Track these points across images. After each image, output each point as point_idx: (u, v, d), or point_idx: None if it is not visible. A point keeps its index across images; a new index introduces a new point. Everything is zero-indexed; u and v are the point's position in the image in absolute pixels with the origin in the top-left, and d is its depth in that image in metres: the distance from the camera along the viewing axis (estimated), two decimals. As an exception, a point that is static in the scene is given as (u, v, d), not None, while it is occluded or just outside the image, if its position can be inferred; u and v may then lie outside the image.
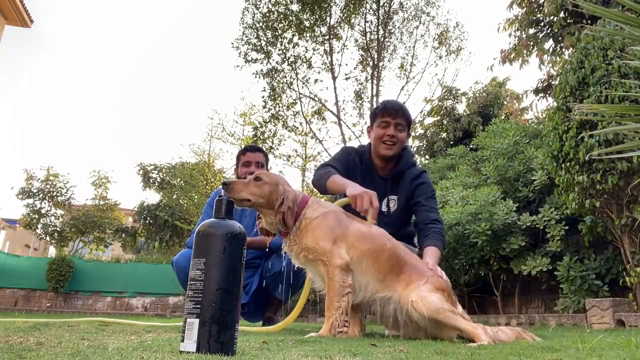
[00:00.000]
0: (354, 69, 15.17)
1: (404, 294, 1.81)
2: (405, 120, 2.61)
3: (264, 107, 15.15)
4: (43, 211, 16.68)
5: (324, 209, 1.93)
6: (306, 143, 16.13)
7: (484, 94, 10.84)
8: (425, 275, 1.86)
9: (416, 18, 14.75)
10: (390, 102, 2.72)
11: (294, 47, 14.84)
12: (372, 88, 14.63)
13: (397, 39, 14.87)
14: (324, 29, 14.76)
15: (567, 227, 4.47)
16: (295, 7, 14.49)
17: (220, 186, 1.92)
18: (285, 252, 1.97)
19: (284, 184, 1.93)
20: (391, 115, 2.58)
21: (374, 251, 1.88)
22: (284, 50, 14.87)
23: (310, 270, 1.96)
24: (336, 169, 2.46)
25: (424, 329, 1.82)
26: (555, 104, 4.02)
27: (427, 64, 14.91)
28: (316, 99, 15.27)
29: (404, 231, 2.56)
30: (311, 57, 15.01)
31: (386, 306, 1.86)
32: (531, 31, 8.86)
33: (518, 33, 9.05)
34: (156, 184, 18.92)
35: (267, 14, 14.60)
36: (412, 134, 13.15)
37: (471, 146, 8.60)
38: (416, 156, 11.38)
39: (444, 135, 11.01)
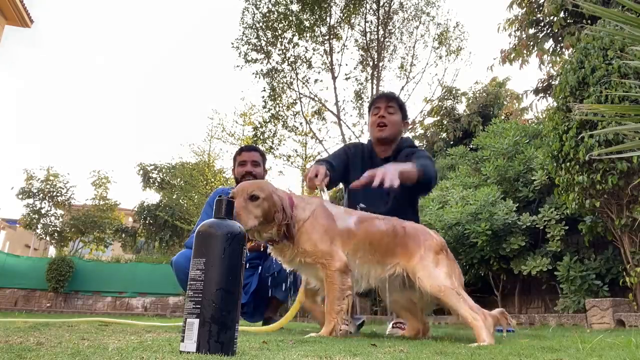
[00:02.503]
0: (354, 69, 15.18)
1: (409, 267, 1.83)
2: (396, 103, 2.71)
3: (264, 107, 15.15)
4: (43, 211, 16.69)
5: (310, 206, 1.88)
6: (306, 143, 16.14)
7: (484, 94, 10.84)
8: (419, 240, 1.87)
9: (416, 18, 14.75)
10: (381, 92, 2.84)
11: (294, 47, 14.84)
12: (372, 88, 14.63)
13: (397, 39, 14.87)
14: (324, 29, 14.75)
15: (567, 227, 4.47)
16: (295, 7, 14.49)
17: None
18: (274, 258, 1.90)
19: (274, 191, 1.80)
20: (382, 100, 2.71)
21: (368, 237, 1.87)
22: (284, 50, 14.87)
23: (304, 273, 1.93)
24: (328, 162, 2.44)
25: (426, 299, 1.88)
26: (555, 104, 4.02)
27: (427, 64, 14.91)
28: (316, 99, 15.28)
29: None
30: (311, 57, 15.02)
31: (393, 281, 1.88)
32: (531, 31, 8.86)
33: (518, 33, 9.06)
34: (156, 184, 18.94)
35: (267, 14, 14.60)
36: (412, 134, 13.15)
37: (471, 146, 8.61)
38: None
39: (444, 135, 11.02)
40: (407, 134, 14.11)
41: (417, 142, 12.18)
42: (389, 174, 1.97)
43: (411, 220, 2.36)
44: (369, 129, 2.76)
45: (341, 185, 2.94)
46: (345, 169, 2.63)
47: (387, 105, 2.69)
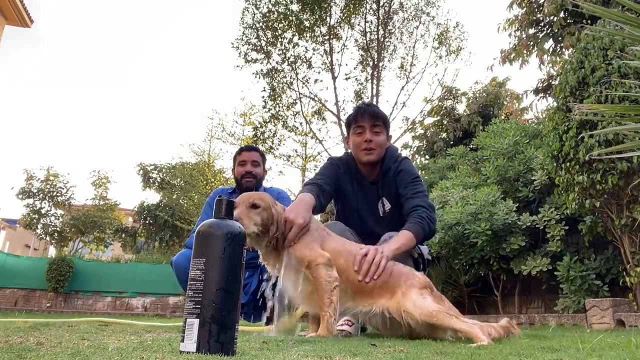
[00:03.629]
0: (354, 69, 15.17)
1: (392, 305, 1.78)
2: (381, 121, 2.46)
3: (264, 107, 15.15)
4: (43, 211, 16.70)
5: None
6: (306, 143, 16.14)
7: (484, 94, 10.84)
8: (401, 279, 1.82)
9: (416, 18, 14.74)
10: (363, 106, 2.54)
11: (294, 47, 14.84)
12: (372, 88, 14.64)
13: (397, 39, 14.87)
14: (324, 29, 14.75)
15: (567, 227, 4.47)
16: (295, 7, 14.49)
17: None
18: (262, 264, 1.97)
19: (274, 204, 1.88)
20: (365, 119, 2.44)
21: (348, 266, 1.87)
22: (284, 50, 14.87)
23: (284, 279, 1.92)
24: (318, 186, 2.33)
25: (417, 330, 1.83)
26: (555, 104, 4.02)
27: (427, 64, 14.89)
28: (316, 99, 15.27)
29: None
30: (311, 57, 15.01)
31: (372, 318, 1.85)
32: (531, 31, 8.86)
33: (518, 33, 9.06)
34: (156, 184, 18.94)
35: (267, 14, 14.60)
36: (412, 134, 13.13)
37: (471, 146, 8.60)
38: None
39: (444, 135, 11.01)
40: (407, 134, 14.03)
41: (417, 142, 12.18)
42: (378, 258, 1.85)
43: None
44: (353, 150, 2.50)
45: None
46: (336, 188, 2.49)
47: (373, 124, 2.42)
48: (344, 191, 2.51)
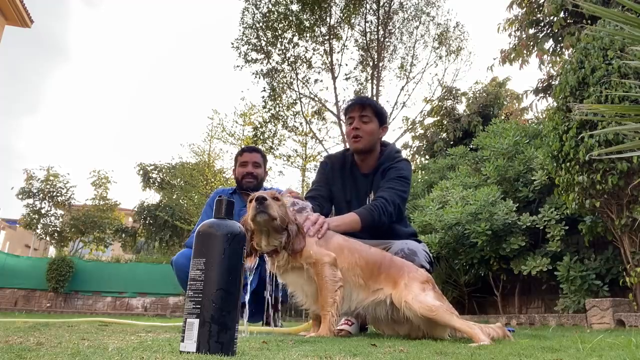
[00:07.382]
0: (354, 69, 15.16)
1: (395, 294, 1.82)
2: (371, 111, 2.50)
3: (264, 107, 15.14)
4: (43, 211, 16.70)
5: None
6: (306, 143, 16.13)
7: (484, 94, 10.84)
8: (403, 270, 1.87)
9: (416, 18, 14.73)
10: (355, 97, 2.66)
11: (294, 47, 14.83)
12: (372, 88, 14.62)
13: (397, 39, 14.86)
14: (324, 29, 14.74)
15: (567, 227, 4.47)
16: (295, 7, 14.48)
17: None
18: (268, 270, 1.96)
19: (289, 206, 1.94)
20: (355, 109, 2.50)
21: (353, 261, 1.90)
22: (284, 51, 14.86)
23: (291, 284, 1.96)
24: (314, 199, 2.45)
25: (417, 327, 1.84)
26: (555, 104, 4.02)
27: (427, 64, 14.88)
28: (316, 99, 15.26)
29: (403, 229, 2.53)
30: (311, 57, 15.00)
31: (377, 308, 1.88)
32: (531, 31, 8.86)
33: (518, 33, 9.06)
34: (156, 184, 18.93)
35: (267, 14, 14.59)
36: (412, 134, 13.14)
37: (471, 146, 8.60)
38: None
39: (444, 135, 11.01)
40: (407, 134, 14.05)
41: (417, 142, 12.18)
42: (317, 227, 1.96)
43: (396, 230, 2.40)
44: (347, 138, 2.59)
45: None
46: (329, 188, 2.58)
47: (361, 114, 2.48)
48: (335, 186, 2.60)
